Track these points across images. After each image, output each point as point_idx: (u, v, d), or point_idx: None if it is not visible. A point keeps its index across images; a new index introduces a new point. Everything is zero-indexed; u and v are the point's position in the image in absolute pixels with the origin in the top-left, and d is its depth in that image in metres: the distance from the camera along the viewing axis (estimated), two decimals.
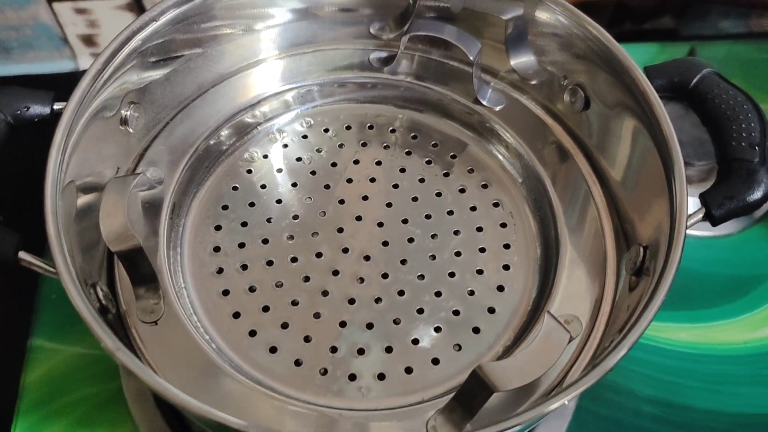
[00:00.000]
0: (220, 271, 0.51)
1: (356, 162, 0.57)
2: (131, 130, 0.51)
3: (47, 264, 0.40)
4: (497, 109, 0.57)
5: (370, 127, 0.59)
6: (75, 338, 0.61)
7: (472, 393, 0.39)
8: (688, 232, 0.67)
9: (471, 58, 0.54)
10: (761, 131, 0.43)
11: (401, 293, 0.50)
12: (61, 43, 0.89)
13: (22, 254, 0.40)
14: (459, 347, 0.48)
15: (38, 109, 0.44)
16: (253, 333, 0.48)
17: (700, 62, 0.47)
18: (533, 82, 0.57)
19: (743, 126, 0.43)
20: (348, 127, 0.59)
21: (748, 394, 0.61)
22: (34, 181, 0.49)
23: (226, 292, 0.50)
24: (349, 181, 0.56)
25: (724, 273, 0.68)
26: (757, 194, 0.42)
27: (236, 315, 0.49)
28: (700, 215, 0.43)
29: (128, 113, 0.50)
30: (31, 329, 0.62)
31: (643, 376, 0.62)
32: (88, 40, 0.89)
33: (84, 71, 0.46)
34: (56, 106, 0.45)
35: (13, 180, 0.45)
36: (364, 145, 0.58)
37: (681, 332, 0.64)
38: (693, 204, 0.69)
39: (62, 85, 0.47)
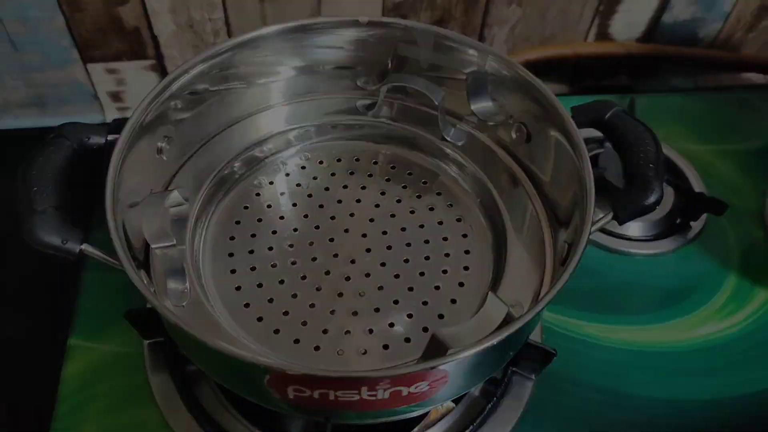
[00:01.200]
0: (234, 271, 0.63)
1: (345, 187, 0.70)
2: (165, 158, 0.64)
3: (107, 254, 0.51)
4: (459, 144, 0.70)
5: (357, 160, 0.72)
6: (107, 338, 0.72)
7: (433, 352, 0.50)
8: (632, 251, 0.81)
9: (436, 103, 0.68)
10: (655, 152, 0.56)
11: (380, 288, 0.62)
12: (92, 99, 1.02)
13: (85, 246, 0.51)
14: (426, 329, 0.59)
15: (96, 139, 0.57)
16: (260, 319, 0.59)
17: (612, 102, 0.60)
18: (490, 123, 0.70)
19: (641, 148, 0.56)
20: (339, 160, 0.72)
21: (681, 383, 0.71)
22: (89, 195, 0.61)
23: (238, 288, 0.61)
24: (339, 201, 0.68)
25: (661, 285, 0.79)
26: (651, 199, 0.54)
27: (247, 305, 0.60)
28: (609, 216, 0.55)
29: (163, 145, 0.63)
30: (70, 330, 0.73)
31: (592, 369, 0.72)
32: (116, 96, 1.03)
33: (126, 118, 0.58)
34: (110, 137, 0.57)
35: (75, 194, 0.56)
36: (351, 173, 0.71)
37: (624, 333, 0.75)
38: (636, 227, 0.82)
39: None
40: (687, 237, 0.83)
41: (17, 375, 0.73)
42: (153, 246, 0.54)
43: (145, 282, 0.55)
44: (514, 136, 0.68)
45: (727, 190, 0.88)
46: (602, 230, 0.82)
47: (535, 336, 0.72)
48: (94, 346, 0.72)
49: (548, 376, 0.71)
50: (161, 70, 1.00)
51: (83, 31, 0.94)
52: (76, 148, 0.56)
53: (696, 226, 0.83)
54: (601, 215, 0.55)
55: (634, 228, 0.83)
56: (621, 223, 0.55)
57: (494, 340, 0.45)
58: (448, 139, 0.70)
